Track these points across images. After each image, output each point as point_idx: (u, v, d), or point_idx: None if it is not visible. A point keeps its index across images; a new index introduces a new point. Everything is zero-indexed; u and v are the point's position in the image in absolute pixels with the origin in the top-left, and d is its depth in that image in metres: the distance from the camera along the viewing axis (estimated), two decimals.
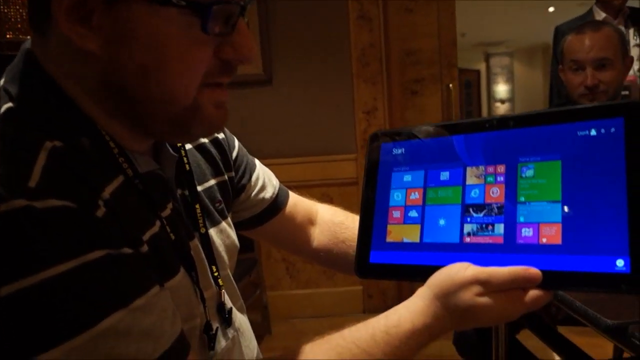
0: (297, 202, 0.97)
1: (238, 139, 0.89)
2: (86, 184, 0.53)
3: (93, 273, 0.48)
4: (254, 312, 2.67)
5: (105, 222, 0.52)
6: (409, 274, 0.73)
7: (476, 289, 0.64)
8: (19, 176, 0.49)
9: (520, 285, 0.64)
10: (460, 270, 0.66)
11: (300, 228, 0.96)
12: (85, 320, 0.47)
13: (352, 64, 2.86)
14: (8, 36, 1.96)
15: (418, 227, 0.75)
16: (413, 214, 0.76)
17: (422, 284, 0.69)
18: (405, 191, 0.77)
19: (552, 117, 0.70)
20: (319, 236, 0.96)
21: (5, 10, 1.96)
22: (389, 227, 0.76)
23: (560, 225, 0.66)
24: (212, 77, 0.59)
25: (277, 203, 0.93)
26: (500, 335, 1.28)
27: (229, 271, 0.79)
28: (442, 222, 0.73)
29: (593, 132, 0.67)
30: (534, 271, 0.64)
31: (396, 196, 0.78)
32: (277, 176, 0.96)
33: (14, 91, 0.57)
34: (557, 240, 0.66)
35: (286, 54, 2.85)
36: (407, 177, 0.77)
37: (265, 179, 0.93)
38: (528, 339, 1.61)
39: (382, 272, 0.75)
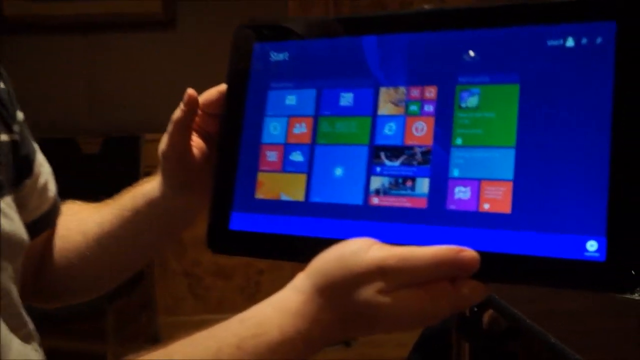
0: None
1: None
2: None
3: None
4: (138, 345, 1.99)
5: None
6: (286, 249, 0.52)
7: (380, 282, 0.44)
8: None
9: (447, 273, 0.45)
10: (359, 251, 0.45)
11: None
12: None
13: (288, 4, 2.34)
14: None
15: (304, 178, 0.52)
16: (297, 157, 0.52)
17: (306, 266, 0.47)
18: (287, 121, 0.53)
19: (511, 15, 0.47)
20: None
21: None
22: (260, 177, 0.53)
23: (511, 186, 0.45)
24: None
25: (57, 209, 0.67)
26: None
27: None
28: (339, 172, 0.51)
29: (569, 43, 0.46)
30: (469, 253, 0.44)
31: (273, 128, 0.54)
32: None
33: None
34: (506, 208, 0.45)
35: None
36: (291, 99, 0.54)
37: (46, 171, 0.66)
38: None
39: (246, 244, 0.53)
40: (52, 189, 0.67)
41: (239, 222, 0.53)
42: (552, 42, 0.46)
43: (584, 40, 0.45)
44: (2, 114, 0.59)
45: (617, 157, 0.43)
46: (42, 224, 0.65)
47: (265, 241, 0.52)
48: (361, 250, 0.45)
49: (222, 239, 0.54)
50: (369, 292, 0.44)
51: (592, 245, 0.43)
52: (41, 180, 0.65)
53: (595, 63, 0.44)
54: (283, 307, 0.45)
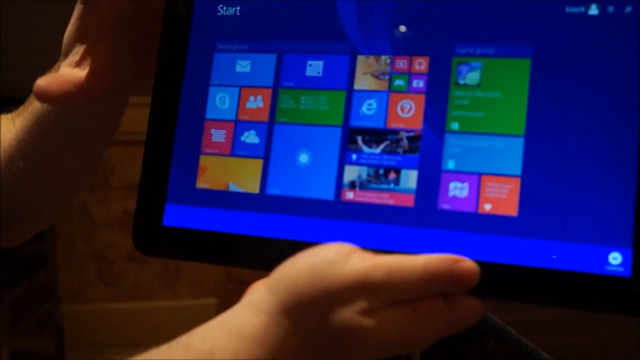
0: None
1: None
2: None
3: None
4: (39, 336, 1.83)
5: None
6: (236, 253, 0.42)
7: (363, 301, 0.36)
8: None
9: (441, 288, 0.37)
10: (336, 262, 0.36)
11: None
12: None
13: None
14: None
15: (259, 164, 0.43)
16: (251, 138, 0.43)
17: (266, 275, 0.38)
18: (239, 93, 0.44)
19: None
20: None
21: None
22: (203, 161, 0.44)
23: (518, 183, 0.38)
24: None
25: None
26: None
27: None
28: (304, 158, 0.42)
29: (593, 11, 0.38)
30: (467, 264, 0.36)
31: (220, 100, 0.44)
32: None
33: None
34: (511, 209, 0.38)
35: None
36: (243, 66, 0.44)
37: None
38: None
39: (184, 245, 0.43)
40: None
41: (175, 216, 0.43)
42: (571, 9, 0.38)
43: (611, 8, 0.38)
44: None
45: None
46: None
47: (208, 241, 0.42)
48: (338, 260, 0.36)
49: (153, 238, 0.43)
50: (348, 313, 0.35)
51: (615, 258, 0.36)
52: None
53: (624, 36, 0.37)
54: (240, 331, 0.36)
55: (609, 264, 0.36)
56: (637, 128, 0.36)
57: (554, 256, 0.37)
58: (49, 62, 0.51)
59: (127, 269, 2.16)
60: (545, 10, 0.39)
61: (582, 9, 0.38)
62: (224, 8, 0.45)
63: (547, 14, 0.39)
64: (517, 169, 0.38)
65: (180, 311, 2.17)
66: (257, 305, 0.37)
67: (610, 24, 0.38)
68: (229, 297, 2.17)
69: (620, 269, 0.36)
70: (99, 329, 2.09)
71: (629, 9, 0.37)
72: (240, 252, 0.42)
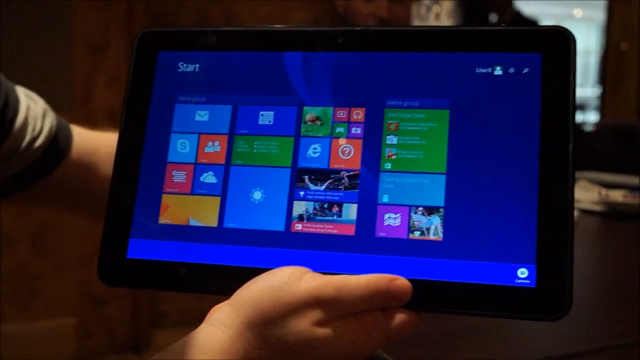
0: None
1: None
2: None
3: None
4: None
5: None
6: (197, 280, 0.47)
7: (316, 313, 0.41)
8: None
9: (381, 303, 0.43)
10: (292, 281, 0.42)
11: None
12: None
13: None
14: None
15: (217, 201, 0.48)
16: (209, 178, 0.49)
17: (225, 299, 0.43)
18: (198, 139, 0.49)
19: (441, 41, 0.48)
20: None
21: None
22: (165, 199, 0.49)
23: (442, 212, 0.45)
24: None
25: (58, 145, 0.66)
26: None
27: None
28: (257, 195, 0.48)
29: (498, 72, 0.47)
30: (401, 282, 0.43)
31: (181, 146, 0.50)
32: None
33: None
34: (437, 234, 0.45)
35: None
36: (202, 115, 0.50)
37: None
38: None
39: (148, 275, 0.48)
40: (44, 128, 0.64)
41: (139, 250, 0.48)
42: (481, 70, 0.47)
43: (512, 69, 0.47)
44: None
45: (545, 185, 0.44)
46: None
47: (171, 271, 0.47)
48: (294, 280, 0.42)
49: (118, 269, 0.48)
50: (304, 324, 0.41)
51: (522, 273, 0.44)
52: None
53: (523, 91, 0.46)
54: (207, 345, 0.41)
55: (518, 277, 0.44)
56: (536, 167, 0.45)
57: (474, 273, 0.44)
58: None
59: None
60: (460, 71, 0.47)
61: (489, 70, 0.47)
62: (184, 65, 0.51)
63: (461, 73, 0.47)
64: (441, 201, 0.46)
65: (34, 334, 2.02)
66: (222, 322, 0.42)
67: (511, 82, 0.47)
68: (88, 316, 2.08)
69: (527, 281, 0.44)
70: None
71: (526, 70, 0.47)
72: (201, 279, 0.47)
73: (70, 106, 2.01)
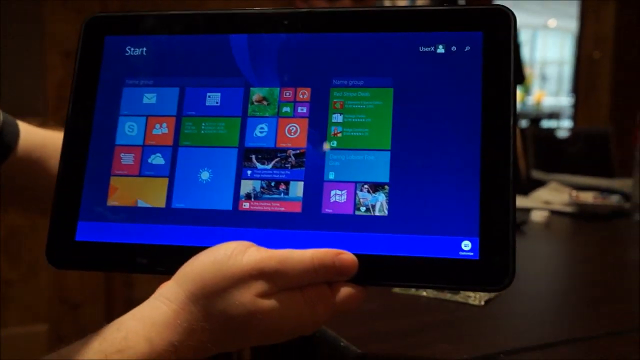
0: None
1: None
2: None
3: None
4: None
5: None
6: (145, 260, 0.47)
7: (260, 285, 0.42)
8: None
9: (325, 277, 0.44)
10: (235, 254, 0.42)
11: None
12: None
13: None
14: None
15: (164, 182, 0.49)
16: (157, 160, 0.49)
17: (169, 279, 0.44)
18: (145, 121, 0.50)
19: (385, 21, 0.49)
20: None
21: None
22: (114, 182, 0.49)
23: (387, 188, 0.46)
24: None
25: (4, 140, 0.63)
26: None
27: None
28: (205, 175, 0.48)
29: (440, 50, 0.48)
30: (346, 256, 0.44)
31: (128, 129, 0.50)
32: None
33: None
34: (382, 210, 0.46)
35: None
36: (150, 98, 0.51)
37: None
38: None
39: (97, 257, 0.48)
40: None
41: (87, 232, 0.48)
42: (424, 48, 0.48)
43: (454, 48, 0.48)
44: None
45: (487, 160, 0.45)
46: None
47: (120, 252, 0.47)
48: (237, 253, 0.42)
49: (66, 252, 0.48)
50: (247, 296, 0.41)
51: (466, 245, 0.45)
52: None
53: (465, 69, 0.47)
54: (152, 319, 0.41)
55: (462, 250, 0.45)
56: (478, 142, 0.46)
57: (419, 246, 0.45)
58: None
59: None
60: (403, 50, 0.49)
61: (432, 48, 0.48)
62: (132, 49, 0.52)
63: (405, 52, 0.49)
64: (386, 177, 0.47)
65: (5, 340, 1.94)
66: (166, 296, 0.42)
67: (454, 60, 0.48)
68: (61, 322, 2.05)
69: (471, 253, 0.45)
70: None
71: (467, 48, 0.48)
72: (150, 259, 0.47)
73: (45, 112, 2.01)
